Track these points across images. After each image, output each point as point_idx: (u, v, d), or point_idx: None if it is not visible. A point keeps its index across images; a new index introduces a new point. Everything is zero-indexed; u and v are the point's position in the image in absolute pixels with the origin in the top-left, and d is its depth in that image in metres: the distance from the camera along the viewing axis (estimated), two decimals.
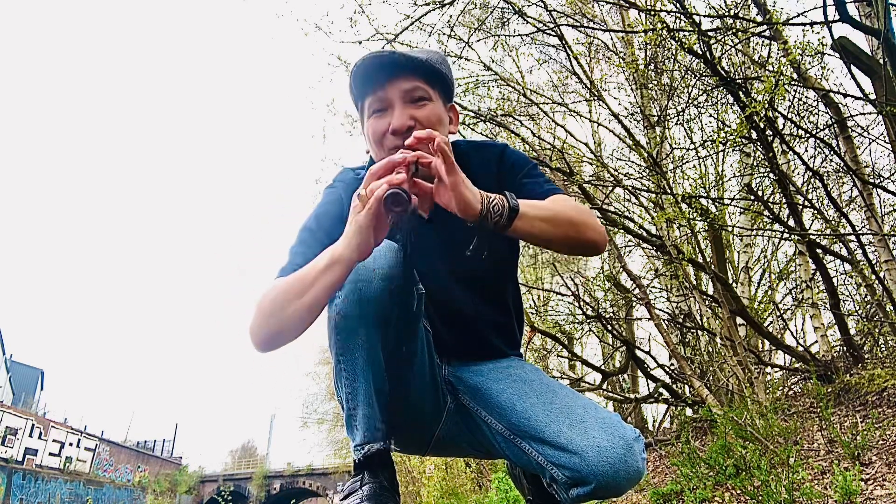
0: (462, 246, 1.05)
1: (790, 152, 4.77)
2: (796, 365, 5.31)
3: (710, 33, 4.20)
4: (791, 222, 4.81)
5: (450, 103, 1.25)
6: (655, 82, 6.16)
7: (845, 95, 4.39)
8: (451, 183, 0.96)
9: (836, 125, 4.58)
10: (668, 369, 6.39)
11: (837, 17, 3.63)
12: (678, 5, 4.21)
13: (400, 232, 1.02)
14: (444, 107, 1.21)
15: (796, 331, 6.87)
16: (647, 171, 5.80)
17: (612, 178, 5.82)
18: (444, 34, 5.63)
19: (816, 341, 5.30)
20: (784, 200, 4.67)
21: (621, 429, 1.02)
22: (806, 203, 4.92)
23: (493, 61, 6.01)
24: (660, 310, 6.55)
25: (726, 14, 4.25)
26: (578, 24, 6.02)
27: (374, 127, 1.15)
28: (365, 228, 0.92)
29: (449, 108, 1.25)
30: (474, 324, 1.26)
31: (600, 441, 0.99)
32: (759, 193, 5.43)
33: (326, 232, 1.15)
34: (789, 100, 4.74)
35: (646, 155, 5.49)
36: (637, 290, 5.78)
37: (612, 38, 6.85)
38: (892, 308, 4.23)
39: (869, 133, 4.68)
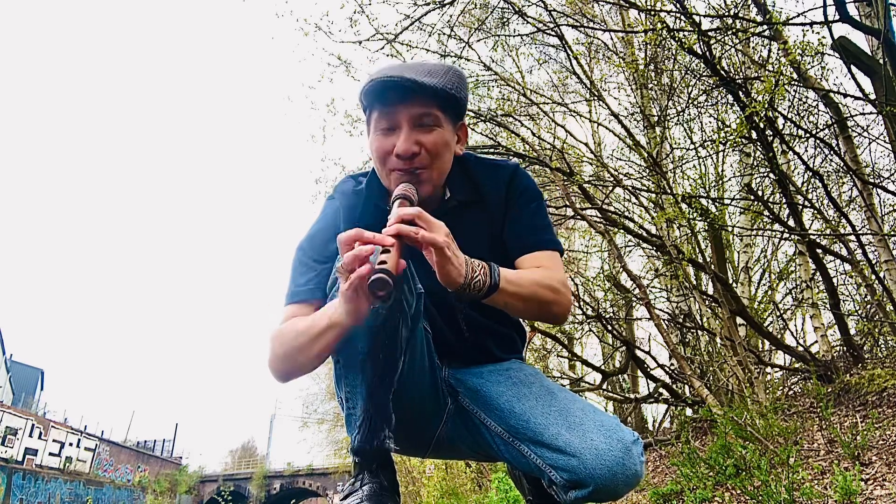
0: (464, 248, 1.05)
1: (790, 152, 4.77)
2: (796, 365, 5.31)
3: (710, 33, 4.20)
4: (791, 222, 4.81)
5: (460, 122, 1.24)
6: (655, 82, 6.16)
7: (845, 95, 4.39)
8: (438, 262, 0.98)
9: (836, 125, 4.59)
10: (668, 369, 6.39)
11: (837, 17, 3.64)
12: (678, 5, 4.21)
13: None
14: (452, 129, 1.20)
15: (796, 331, 6.88)
16: (647, 171, 5.81)
17: (612, 178, 5.83)
18: (444, 34, 5.64)
19: (816, 341, 5.30)
20: (784, 200, 4.67)
21: (620, 432, 1.02)
22: (806, 203, 4.92)
23: (493, 61, 6.02)
24: (660, 310, 6.55)
25: (726, 14, 4.25)
26: (578, 24, 6.03)
27: (379, 144, 1.15)
28: (351, 300, 0.94)
29: (458, 126, 1.23)
30: (474, 326, 1.26)
31: (598, 444, 1.00)
32: (759, 193, 5.43)
33: (320, 252, 1.21)
34: (789, 100, 4.74)
35: (646, 155, 5.49)
36: (637, 290, 5.78)
37: (612, 38, 6.85)
38: (892, 308, 4.23)
39: (869, 133, 4.68)
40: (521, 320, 1.38)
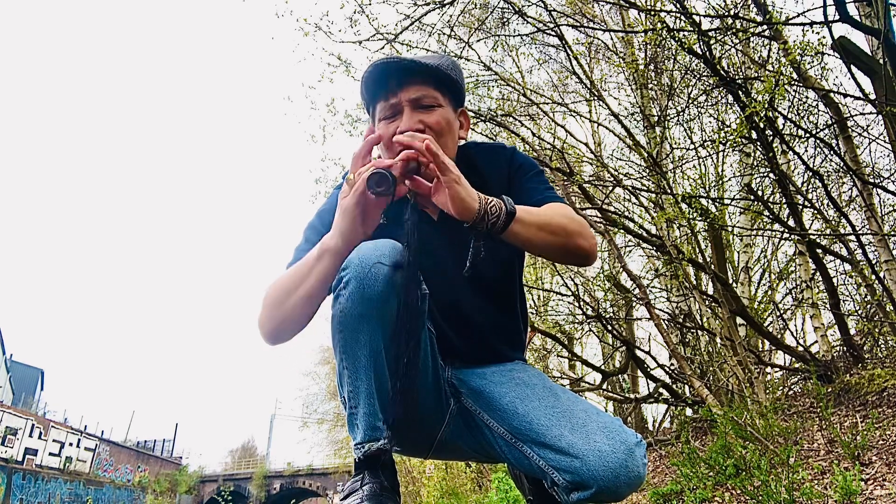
0: (469, 248, 1.06)
1: (790, 152, 4.77)
2: (796, 365, 5.31)
3: (710, 33, 4.20)
4: (791, 222, 4.81)
5: (460, 108, 1.26)
6: (655, 82, 6.16)
7: (845, 95, 4.39)
8: (447, 181, 0.97)
9: (836, 125, 4.59)
10: (668, 369, 6.39)
11: (837, 17, 3.64)
12: (678, 5, 4.21)
13: (404, 231, 1.02)
14: (454, 112, 1.22)
15: (796, 331, 6.88)
16: (647, 171, 5.81)
17: (612, 178, 5.83)
18: (444, 34, 5.64)
19: (816, 341, 5.30)
20: (784, 200, 4.67)
21: (623, 433, 1.02)
22: (806, 203, 4.92)
23: (493, 61, 6.02)
24: (660, 310, 6.55)
25: (726, 14, 4.25)
26: (578, 24, 6.03)
27: (383, 132, 1.17)
28: (349, 210, 0.95)
29: (459, 112, 1.26)
30: (479, 326, 1.26)
31: (602, 445, 1.00)
32: (759, 193, 5.43)
33: (328, 225, 1.18)
34: (789, 100, 4.74)
35: (646, 155, 5.49)
36: (637, 290, 5.78)
37: (612, 38, 6.85)
38: (892, 308, 4.23)
39: (869, 133, 4.68)
40: (525, 316, 1.38)
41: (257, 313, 1.11)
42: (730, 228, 6.35)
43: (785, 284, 7.21)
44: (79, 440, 27.25)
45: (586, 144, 6.54)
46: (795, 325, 7.08)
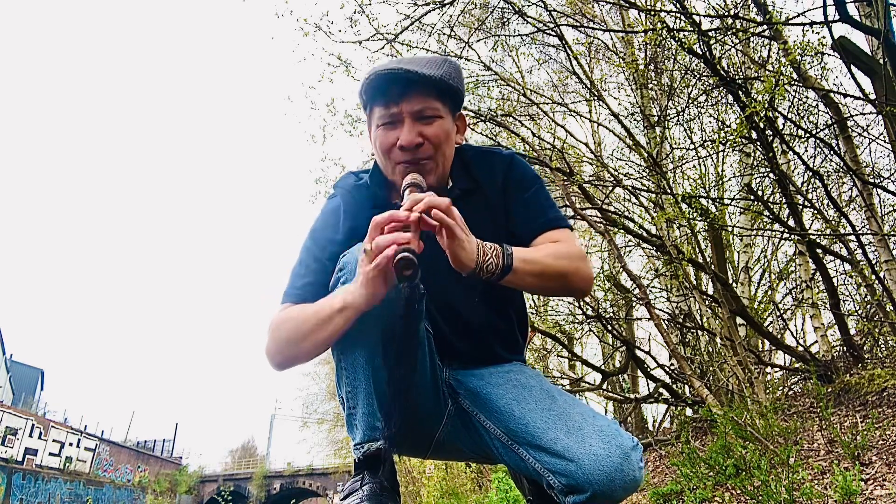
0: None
1: (790, 152, 4.77)
2: (796, 365, 5.31)
3: (710, 33, 4.20)
4: (791, 222, 4.81)
5: (459, 112, 1.26)
6: (655, 82, 6.16)
7: (845, 95, 4.39)
8: (449, 244, 0.99)
9: (836, 125, 4.58)
10: (668, 369, 6.39)
11: (837, 17, 3.63)
12: (678, 5, 4.21)
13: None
14: (452, 120, 1.22)
15: (796, 331, 6.88)
16: (647, 171, 5.81)
17: (612, 178, 5.83)
18: (444, 34, 5.64)
19: (816, 341, 5.30)
20: (784, 200, 4.66)
21: (619, 437, 1.02)
22: (806, 203, 4.92)
23: (493, 61, 6.02)
24: (660, 310, 6.55)
25: (726, 14, 4.25)
26: (578, 24, 6.03)
27: (382, 139, 1.17)
28: (373, 282, 0.95)
29: (457, 117, 1.26)
30: (477, 328, 1.26)
31: (597, 449, 1.00)
32: (759, 193, 5.43)
33: (321, 250, 1.21)
34: (789, 100, 4.74)
35: (646, 155, 5.49)
36: (637, 290, 5.78)
37: (612, 38, 6.85)
38: (892, 308, 4.23)
39: (869, 133, 4.68)
40: (525, 320, 1.38)
41: (265, 342, 1.12)
42: (730, 228, 6.35)
43: (785, 284, 7.21)
44: (79, 440, 27.25)
45: (586, 144, 6.54)
46: (795, 325, 7.08)
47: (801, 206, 4.82)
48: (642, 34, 5.00)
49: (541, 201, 1.26)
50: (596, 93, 5.89)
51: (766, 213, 5.11)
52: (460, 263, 1.00)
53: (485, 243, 1.05)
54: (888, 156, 5.27)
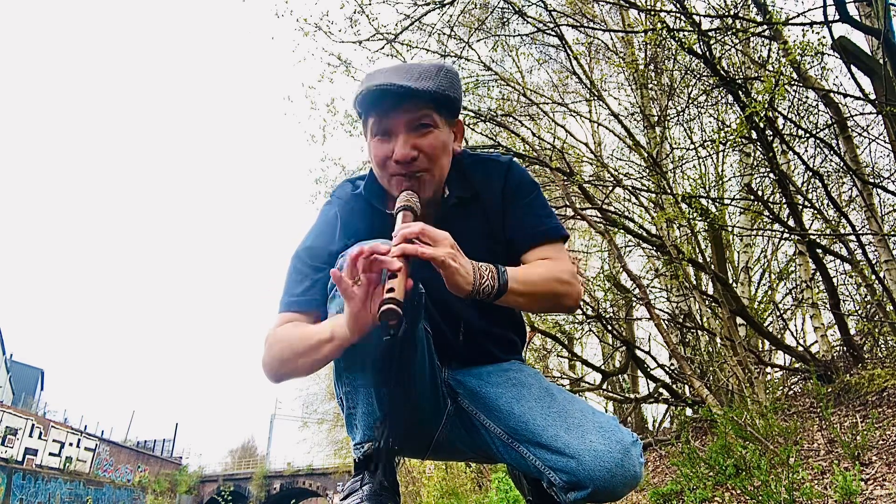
0: (465, 252, 1.05)
1: (790, 152, 4.77)
2: (796, 365, 5.31)
3: (710, 33, 4.20)
4: (791, 222, 4.81)
5: (455, 119, 1.24)
6: (655, 82, 6.16)
7: (845, 95, 4.39)
8: (445, 272, 0.99)
9: (836, 125, 4.58)
10: (668, 369, 6.39)
11: (837, 17, 3.64)
12: (678, 5, 4.21)
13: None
14: (448, 129, 1.20)
15: (796, 331, 6.88)
16: (647, 171, 5.81)
17: (612, 178, 5.83)
18: (444, 34, 5.64)
19: (816, 341, 5.30)
20: (784, 200, 4.67)
21: (619, 433, 1.02)
22: (806, 203, 4.92)
23: (493, 61, 6.02)
24: (660, 310, 6.55)
25: (726, 14, 4.25)
26: (578, 24, 6.02)
27: (377, 151, 1.16)
28: (357, 321, 0.95)
29: (454, 123, 1.24)
30: (475, 328, 1.26)
31: (597, 445, 1.00)
32: (759, 193, 5.43)
33: (317, 259, 1.20)
34: (789, 100, 4.74)
35: (646, 155, 5.49)
36: (637, 290, 5.78)
37: (612, 38, 6.85)
38: (892, 308, 4.23)
39: (869, 133, 4.68)
40: (522, 321, 1.38)
41: (261, 357, 1.13)
42: (730, 228, 6.35)
43: (785, 284, 7.21)
44: (79, 440, 27.25)
45: (586, 144, 6.54)
46: (795, 325, 7.08)
47: (801, 206, 4.82)
48: (642, 34, 5.01)
49: (538, 209, 1.26)
50: (596, 93, 5.89)
51: (766, 213, 5.11)
52: (457, 288, 1.00)
53: (480, 265, 1.04)
54: (888, 156, 5.27)
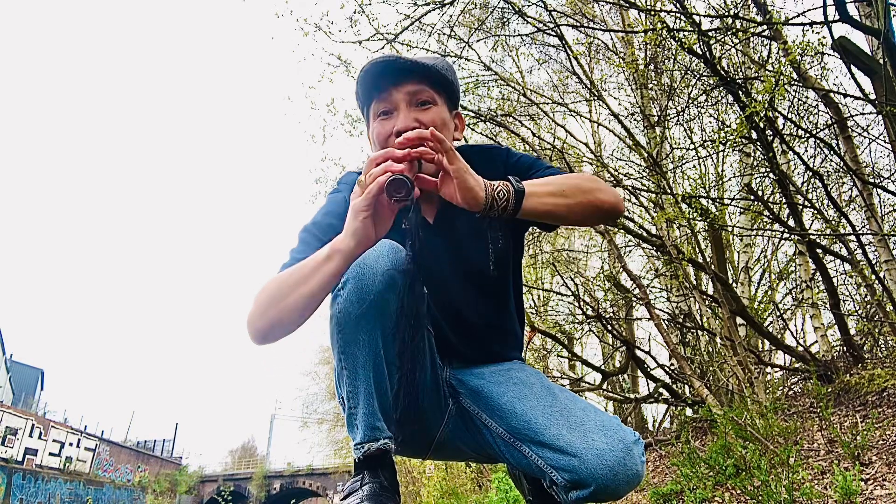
0: (466, 250, 1.05)
1: (790, 152, 4.77)
2: (796, 365, 5.31)
3: (710, 33, 4.20)
4: (791, 222, 4.81)
5: (455, 110, 1.26)
6: (655, 82, 6.16)
7: (845, 95, 4.39)
8: (455, 170, 0.96)
9: (836, 125, 4.58)
10: (668, 369, 6.39)
11: (837, 17, 3.63)
12: (678, 5, 4.21)
13: (405, 232, 1.00)
14: (449, 112, 1.22)
15: (796, 331, 6.88)
16: (647, 171, 5.81)
17: (612, 178, 5.82)
18: (444, 34, 5.64)
19: (816, 341, 5.30)
20: (784, 200, 4.67)
21: (620, 432, 1.02)
22: (806, 203, 4.92)
23: (493, 61, 6.02)
24: (660, 310, 6.55)
25: (726, 14, 4.25)
26: (578, 24, 6.02)
27: (379, 130, 1.16)
28: (362, 213, 0.92)
29: (454, 114, 1.26)
30: (476, 327, 1.26)
31: (599, 444, 1.00)
32: (759, 193, 5.43)
33: (325, 231, 1.16)
34: (789, 100, 4.74)
35: (646, 155, 5.49)
36: (637, 290, 5.78)
37: (612, 38, 6.85)
38: (892, 308, 4.23)
39: (869, 133, 4.68)
40: (522, 322, 1.38)
41: (248, 311, 1.04)
42: (730, 228, 6.35)
43: (785, 284, 7.21)
44: (79, 440, 27.23)
45: (586, 144, 6.54)
46: (795, 325, 7.08)
47: (801, 206, 4.82)
48: (642, 34, 5.00)
49: (539, 167, 1.25)
50: (596, 93, 5.89)
51: (766, 213, 5.11)
52: (471, 195, 0.96)
53: (489, 181, 1.02)
54: (888, 156, 5.28)
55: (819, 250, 4.77)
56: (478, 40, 6.00)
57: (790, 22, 4.10)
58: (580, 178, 1.10)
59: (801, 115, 4.94)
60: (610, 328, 6.76)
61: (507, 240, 1.25)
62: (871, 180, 4.70)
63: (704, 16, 4.28)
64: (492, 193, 0.98)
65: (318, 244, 1.08)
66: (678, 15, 4.29)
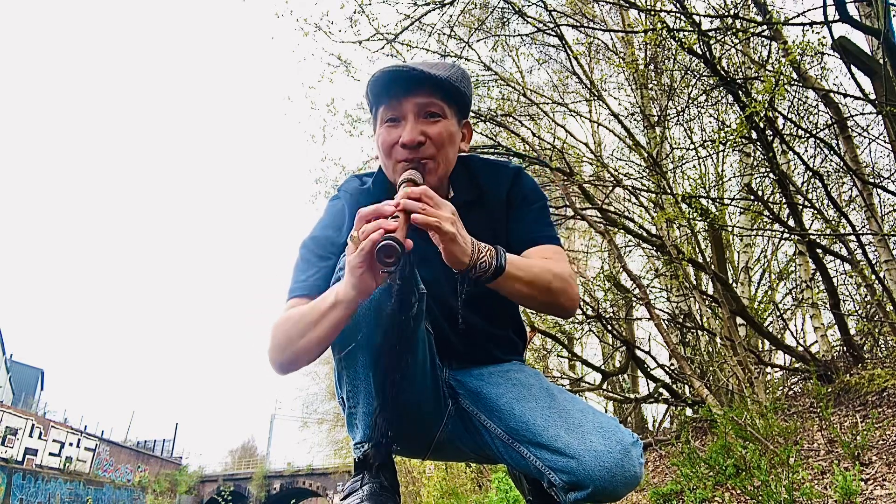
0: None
1: (790, 152, 4.77)
2: (796, 365, 5.31)
3: (710, 33, 4.20)
4: (791, 222, 4.81)
5: (465, 120, 1.25)
6: (655, 82, 6.16)
7: (845, 95, 4.39)
8: (444, 240, 0.96)
9: (836, 125, 4.58)
10: (668, 369, 6.39)
11: (837, 17, 3.63)
12: (678, 5, 4.21)
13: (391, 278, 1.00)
14: (457, 124, 1.21)
15: (796, 331, 6.88)
16: (647, 171, 5.81)
17: (612, 178, 5.82)
18: (443, 34, 5.64)
19: (816, 341, 5.30)
20: (784, 200, 4.67)
21: (619, 433, 1.03)
22: (806, 203, 4.92)
23: (493, 61, 6.02)
24: (660, 310, 6.55)
25: (726, 14, 4.25)
26: (578, 24, 6.03)
27: (384, 137, 1.16)
28: (358, 269, 0.93)
29: (463, 124, 1.25)
30: (476, 328, 1.26)
31: (597, 445, 1.00)
32: (759, 193, 5.43)
33: (325, 247, 1.19)
34: (789, 100, 4.74)
35: (646, 155, 5.49)
36: (637, 290, 5.78)
37: (612, 38, 6.85)
38: (892, 308, 4.23)
39: (869, 133, 4.68)
40: (521, 322, 1.38)
41: (266, 346, 1.12)
42: (730, 228, 6.34)
43: (785, 284, 7.21)
44: (79, 440, 27.25)
45: (586, 144, 6.54)
46: (795, 325, 7.08)
47: (801, 206, 4.82)
48: (642, 34, 5.00)
49: (542, 218, 1.27)
50: (596, 93, 5.89)
51: (766, 213, 5.11)
52: (454, 259, 0.98)
53: (479, 243, 1.03)
54: (888, 156, 5.28)
55: (819, 250, 4.77)
56: (478, 40, 6.01)
57: (790, 22, 4.10)
58: (553, 277, 1.11)
59: (801, 115, 4.94)
60: (610, 328, 6.76)
61: (507, 247, 1.25)
62: (871, 180, 4.70)
63: (704, 16, 4.28)
64: (475, 261, 1.00)
65: (319, 262, 1.16)
66: (678, 15, 4.29)
